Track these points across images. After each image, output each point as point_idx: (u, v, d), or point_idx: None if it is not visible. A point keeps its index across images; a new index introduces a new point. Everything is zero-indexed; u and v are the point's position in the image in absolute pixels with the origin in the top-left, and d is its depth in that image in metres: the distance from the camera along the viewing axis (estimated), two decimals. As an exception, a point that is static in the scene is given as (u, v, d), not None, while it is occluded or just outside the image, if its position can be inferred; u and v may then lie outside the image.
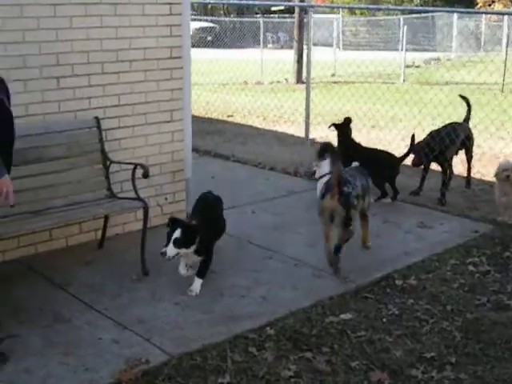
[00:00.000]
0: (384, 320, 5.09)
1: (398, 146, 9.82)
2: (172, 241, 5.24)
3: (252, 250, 6.47)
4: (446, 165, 8.20)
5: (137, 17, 6.50)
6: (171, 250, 5.24)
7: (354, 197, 5.89)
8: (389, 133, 11.45)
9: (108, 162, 6.22)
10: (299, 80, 20.83)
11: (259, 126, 13.27)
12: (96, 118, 6.23)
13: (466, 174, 8.78)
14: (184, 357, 4.50)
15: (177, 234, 5.25)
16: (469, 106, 8.56)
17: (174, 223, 5.37)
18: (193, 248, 5.36)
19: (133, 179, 6.00)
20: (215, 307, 5.23)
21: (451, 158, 8.32)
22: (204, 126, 12.33)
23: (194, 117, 7.36)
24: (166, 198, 7.09)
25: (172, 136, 7.01)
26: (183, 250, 5.31)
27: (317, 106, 11.46)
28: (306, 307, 5.25)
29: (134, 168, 6.00)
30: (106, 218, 6.31)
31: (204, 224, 5.51)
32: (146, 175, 5.90)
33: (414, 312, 5.23)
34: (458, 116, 9.58)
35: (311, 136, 9.65)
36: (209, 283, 5.47)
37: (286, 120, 13.43)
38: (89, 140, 6.21)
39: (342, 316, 5.11)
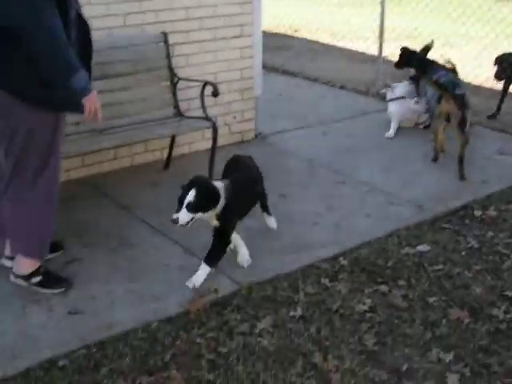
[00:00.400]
0: (463, 253, 4.83)
1: (472, 65, 9.38)
2: (185, 205, 4.18)
3: (323, 173, 6.21)
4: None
5: None
6: (184, 215, 4.17)
7: (468, 98, 6.17)
8: (462, 51, 10.95)
9: (175, 79, 5.97)
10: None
11: (328, 42, 12.80)
12: (163, 32, 5.96)
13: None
14: (254, 287, 4.33)
15: (191, 196, 4.16)
16: None
17: (189, 183, 4.27)
18: (213, 212, 4.33)
19: (202, 98, 5.76)
20: (286, 234, 5.01)
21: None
22: (271, 41, 11.89)
23: (261, 31, 7.04)
24: (235, 117, 6.84)
25: (241, 52, 6.72)
26: (199, 215, 4.24)
27: (392, 21, 10.96)
28: (381, 237, 5.02)
29: (204, 86, 5.75)
30: (173, 137, 6.11)
31: (235, 187, 4.44)
32: (215, 94, 5.64)
33: (494, 246, 4.95)
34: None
35: (384, 53, 9.22)
36: (279, 208, 5.23)
37: (357, 36, 12.93)
38: (155, 56, 5.95)
39: (419, 247, 4.87)
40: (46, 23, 3.66)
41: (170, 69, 5.96)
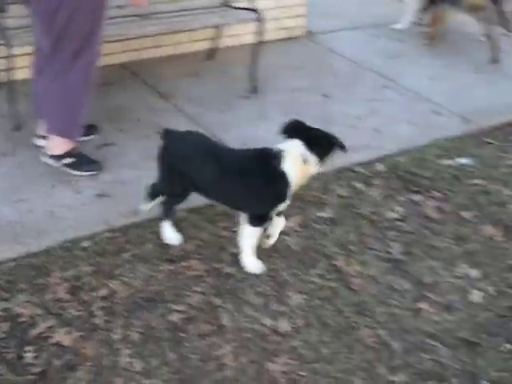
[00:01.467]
0: (503, 170, 4.69)
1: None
2: None
3: (369, 76, 6.03)
4: None
5: None
6: None
7: None
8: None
9: (223, -33, 5.78)
10: None
11: None
12: None
13: None
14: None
15: None
16: None
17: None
18: None
19: (250, -13, 5.57)
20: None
21: None
22: None
23: None
24: (284, 12, 6.64)
25: None
26: None
27: None
28: (421, 146, 4.89)
29: (253, -24, 5.56)
30: (218, 28, 5.95)
31: None
32: (265, -15, 5.45)
33: (538, 164, 4.80)
34: None
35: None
36: (320, 108, 5.10)
37: None
38: None
39: (459, 160, 4.74)
40: None
41: (220, -44, 5.76)
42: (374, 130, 5.06)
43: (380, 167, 4.57)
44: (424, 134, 5.06)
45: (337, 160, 4.49)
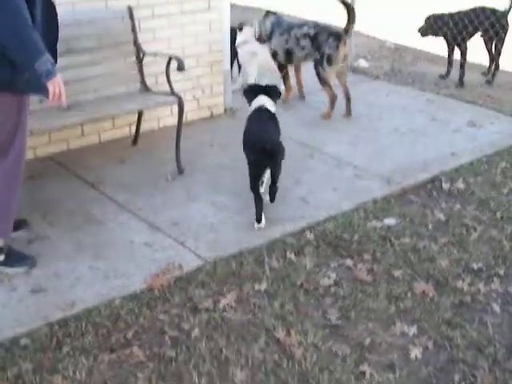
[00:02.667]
0: (429, 226, 4.84)
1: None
2: None
3: (291, 147, 6.12)
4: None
5: None
6: None
7: None
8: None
9: (141, 54, 5.90)
10: None
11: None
12: (129, 6, 5.88)
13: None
14: (219, 262, 4.32)
15: None
16: None
17: None
18: None
19: (167, 72, 5.69)
20: (253, 209, 4.91)
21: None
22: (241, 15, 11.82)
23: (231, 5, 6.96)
24: (204, 92, 6.78)
25: (209, 25, 6.65)
26: None
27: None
28: (348, 210, 5.02)
29: (169, 60, 5.69)
30: (140, 112, 6.05)
31: None
32: (181, 68, 5.57)
33: (462, 218, 4.96)
34: None
35: None
36: (246, 181, 5.21)
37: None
38: (121, 31, 5.85)
39: (386, 221, 4.88)
40: (10, 5, 3.61)
41: (136, 44, 5.88)
42: (301, 200, 5.18)
43: (310, 236, 4.66)
44: (349, 198, 5.21)
45: (267, 232, 4.66)
